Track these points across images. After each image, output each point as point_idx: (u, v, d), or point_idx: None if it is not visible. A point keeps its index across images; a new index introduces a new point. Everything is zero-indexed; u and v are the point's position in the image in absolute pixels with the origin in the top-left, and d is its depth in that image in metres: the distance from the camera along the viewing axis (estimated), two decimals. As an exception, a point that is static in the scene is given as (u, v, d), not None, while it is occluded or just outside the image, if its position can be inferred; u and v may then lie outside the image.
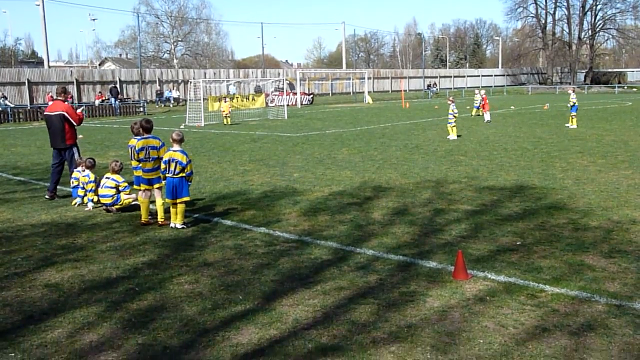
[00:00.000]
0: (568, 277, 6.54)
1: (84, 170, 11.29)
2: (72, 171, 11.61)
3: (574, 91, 25.54)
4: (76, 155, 11.87)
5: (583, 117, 29.89)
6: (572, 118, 24.37)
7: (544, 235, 8.23)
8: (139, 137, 9.74)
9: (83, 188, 11.00)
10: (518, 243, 7.87)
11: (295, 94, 52.51)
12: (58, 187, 12.52)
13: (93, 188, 10.81)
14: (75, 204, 11.04)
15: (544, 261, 7.11)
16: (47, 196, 11.65)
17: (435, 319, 5.55)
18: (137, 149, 9.43)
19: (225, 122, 30.46)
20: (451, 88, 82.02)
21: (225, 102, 31.79)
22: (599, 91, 71.56)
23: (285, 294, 6.25)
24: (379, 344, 5.03)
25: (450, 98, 22.61)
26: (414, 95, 69.19)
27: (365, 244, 7.97)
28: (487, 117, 28.36)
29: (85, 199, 10.91)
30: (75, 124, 11.75)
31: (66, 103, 12.00)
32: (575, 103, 24.52)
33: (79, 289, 6.55)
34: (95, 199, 10.74)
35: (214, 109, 35.55)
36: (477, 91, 33.75)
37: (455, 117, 21.01)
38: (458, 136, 21.18)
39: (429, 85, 72.01)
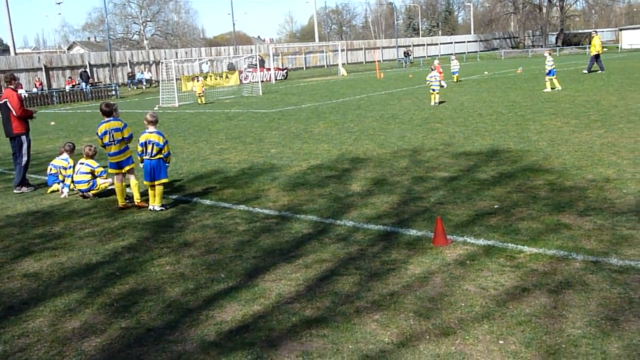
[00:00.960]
0: (545, 237, 6.63)
1: (61, 154, 11.16)
2: (21, 161, 11.20)
3: (550, 54, 24.70)
4: (25, 147, 11.30)
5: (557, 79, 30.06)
6: (549, 81, 23.83)
7: (521, 197, 8.31)
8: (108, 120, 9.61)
9: (62, 174, 10.83)
10: (496, 206, 7.94)
11: (268, 69, 52.07)
12: (34, 175, 12.37)
13: (70, 174, 10.67)
14: (52, 191, 10.89)
15: (522, 223, 7.19)
16: (15, 191, 11.15)
17: (417, 285, 5.60)
18: (99, 133, 9.26)
19: (199, 102, 30.14)
20: (425, 56, 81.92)
21: (197, 81, 31.40)
22: (571, 52, 71.96)
23: (267, 269, 6.25)
24: (362, 314, 5.07)
25: (432, 65, 23.86)
26: (388, 65, 69.02)
27: (345, 216, 7.99)
28: (443, 83, 28.61)
29: (63, 185, 10.75)
30: (15, 113, 11.15)
31: (14, 90, 11.40)
32: (552, 67, 24.00)
33: (59, 276, 6.49)
34: (71, 185, 10.61)
35: (188, 89, 35.12)
36: (453, 57, 33.69)
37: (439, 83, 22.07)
38: (441, 102, 21.81)
39: (405, 53, 71.79)
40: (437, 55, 48.90)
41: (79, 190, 10.35)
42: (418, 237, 6.94)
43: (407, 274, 5.89)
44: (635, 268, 5.65)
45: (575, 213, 7.44)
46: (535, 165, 10.27)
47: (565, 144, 12.02)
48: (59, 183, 10.85)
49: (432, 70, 22.37)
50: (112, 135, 9.20)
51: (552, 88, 23.70)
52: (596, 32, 37.97)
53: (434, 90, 21.54)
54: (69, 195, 10.55)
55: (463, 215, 7.67)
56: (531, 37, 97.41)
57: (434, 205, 8.25)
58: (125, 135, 9.20)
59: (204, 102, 30.17)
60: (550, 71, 23.92)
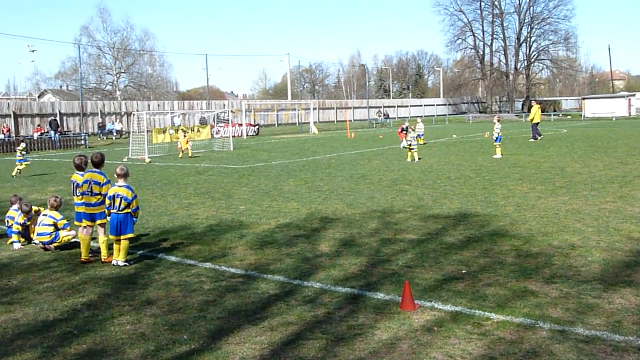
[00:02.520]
0: (512, 304, 6.63)
1: (12, 205, 10.98)
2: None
3: (499, 121, 25.56)
4: None
5: (522, 144, 30.84)
6: (497, 148, 24.47)
7: (488, 262, 8.35)
8: (80, 173, 9.50)
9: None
10: (463, 271, 7.95)
11: (238, 124, 52.37)
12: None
13: (18, 230, 10.44)
14: (11, 242, 10.59)
15: (489, 289, 7.20)
16: None
17: (384, 352, 5.51)
18: (80, 181, 9.18)
19: (189, 155, 29.49)
20: (395, 117, 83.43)
21: (184, 136, 30.77)
22: (536, 119, 73.98)
23: (231, 331, 6.10)
24: (327, 381, 4.94)
25: (412, 126, 26.09)
26: (359, 125, 70.04)
27: (313, 277, 7.90)
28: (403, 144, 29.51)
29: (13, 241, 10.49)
30: None
31: None
32: (500, 133, 24.60)
33: (13, 334, 6.23)
34: (22, 240, 10.39)
35: (158, 141, 35.02)
36: (419, 120, 34.40)
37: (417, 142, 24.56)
38: (419, 159, 23.72)
39: (385, 115, 73.11)
40: (421, 117, 49.83)
41: (40, 242, 10.08)
42: (386, 301, 6.88)
43: (374, 339, 5.81)
44: (601, 338, 5.66)
45: (542, 280, 7.48)
46: (502, 230, 10.37)
47: (532, 209, 12.21)
48: (17, 234, 10.57)
49: (411, 130, 24.74)
50: (92, 187, 9.08)
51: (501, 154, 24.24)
52: (536, 101, 39.46)
53: (411, 148, 23.72)
54: (21, 247, 10.29)
55: (431, 280, 7.65)
56: (498, 103, 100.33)
57: (402, 268, 8.22)
58: (103, 192, 9.07)
59: (191, 154, 29.61)
60: (497, 137, 24.50)
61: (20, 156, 23.38)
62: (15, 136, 44.02)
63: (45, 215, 10.24)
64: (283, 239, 10.21)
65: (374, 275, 7.91)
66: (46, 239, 10.01)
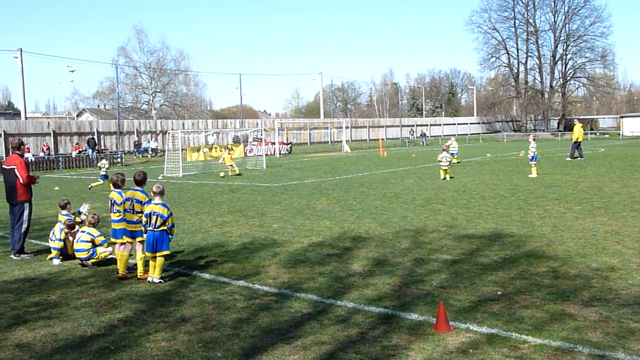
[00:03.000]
0: (550, 327, 6.51)
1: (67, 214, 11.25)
2: (20, 228, 11.16)
3: (534, 140, 25.27)
4: (26, 214, 11.29)
5: (558, 163, 30.39)
6: (532, 167, 24.20)
7: (524, 284, 8.23)
8: (118, 190, 9.70)
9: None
10: (499, 293, 7.85)
11: (271, 143, 52.80)
12: (34, 241, 12.33)
13: (59, 247, 10.64)
14: (50, 258, 10.80)
15: (526, 311, 7.09)
16: (12, 256, 11.07)
17: (418, 373, 5.45)
18: (121, 200, 9.37)
19: (235, 172, 29.37)
20: (427, 136, 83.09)
21: (227, 153, 30.70)
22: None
23: (264, 350, 6.12)
24: (361, 402, 4.92)
25: (443, 146, 25.81)
26: (392, 143, 69.96)
27: (346, 296, 7.89)
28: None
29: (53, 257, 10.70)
30: (22, 180, 11.19)
31: (21, 157, 11.47)
32: (535, 152, 24.28)
33: (52, 348, 6.35)
34: (61, 257, 10.59)
35: (192, 159, 35.50)
36: (452, 138, 34.21)
37: (448, 162, 24.33)
38: (451, 177, 23.92)
39: (422, 134, 72.70)
40: (455, 135, 49.63)
41: (78, 258, 10.28)
42: (420, 322, 6.82)
43: (408, 360, 5.76)
44: (643, 364, 5.52)
45: (580, 303, 7.34)
46: (538, 251, 10.21)
47: (569, 230, 12.00)
48: (56, 250, 10.73)
49: (443, 151, 24.41)
50: (133, 205, 9.26)
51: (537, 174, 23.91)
52: (578, 119, 38.85)
53: (443, 168, 23.72)
54: (60, 262, 10.49)
55: (465, 301, 7.56)
56: (533, 121, 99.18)
57: (436, 289, 8.16)
58: (145, 212, 9.20)
59: (237, 171, 29.50)
60: (532, 156, 24.20)
61: (104, 171, 25.10)
62: (55, 154, 45.09)
63: (84, 232, 10.45)
64: (316, 257, 10.23)
65: (408, 296, 7.86)
66: (84, 255, 10.21)
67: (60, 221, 11.13)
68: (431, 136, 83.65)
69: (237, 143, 46.27)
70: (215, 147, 40.37)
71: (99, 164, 26.74)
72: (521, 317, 6.89)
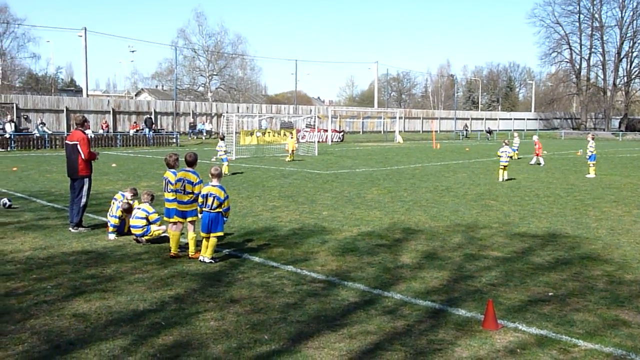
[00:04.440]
0: (602, 333, 6.36)
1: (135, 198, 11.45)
2: (79, 202, 11.44)
3: (593, 139, 24.37)
4: (85, 188, 11.53)
5: (617, 164, 29.46)
6: (591, 167, 23.49)
7: (577, 286, 8.04)
8: (172, 170, 9.89)
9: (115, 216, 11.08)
10: (550, 294, 7.70)
11: (324, 130, 52.85)
12: (92, 215, 12.71)
13: (115, 223, 10.91)
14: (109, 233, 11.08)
15: (578, 314, 6.93)
16: (71, 229, 11.41)
17: (464, 370, 5.41)
18: (174, 179, 9.56)
19: (290, 159, 29.66)
20: (482, 130, 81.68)
21: (290, 137, 30.90)
22: (634, 138, 70.59)
23: (311, 335, 6.18)
24: (405, 394, 4.92)
25: (506, 140, 24.04)
26: (445, 136, 69.09)
27: (394, 288, 7.88)
28: (541, 160, 28.78)
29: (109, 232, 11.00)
30: (83, 156, 11.44)
31: (84, 133, 11.74)
32: (593, 152, 23.50)
33: (106, 320, 6.57)
34: (117, 233, 10.87)
35: (245, 143, 35.93)
36: (515, 134, 33.51)
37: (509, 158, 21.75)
38: (510, 179, 21.60)
39: (488, 130, 70.67)
40: (518, 131, 48.69)
41: (134, 234, 10.57)
42: (467, 319, 6.76)
43: (454, 356, 5.72)
44: (700, 377, 5.33)
45: (635, 310, 7.12)
46: (593, 253, 9.95)
47: (626, 234, 11.64)
48: (113, 227, 11.00)
49: (504, 144, 22.25)
50: (185, 186, 9.44)
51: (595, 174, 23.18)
52: None
53: (503, 165, 21.25)
54: (115, 237, 10.77)
55: (515, 300, 7.45)
56: (593, 120, 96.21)
57: (485, 285, 8.05)
58: (195, 191, 9.39)
59: (292, 158, 29.80)
60: (591, 156, 23.41)
61: (222, 154, 23.13)
62: (113, 132, 46.31)
63: (139, 208, 10.73)
64: (365, 247, 10.24)
65: (456, 291, 7.79)
66: (139, 231, 10.49)
67: (119, 199, 11.40)
68: (484, 131, 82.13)
69: (289, 129, 46.51)
70: (269, 132, 40.75)
71: (217, 147, 23.74)
72: (572, 320, 6.74)
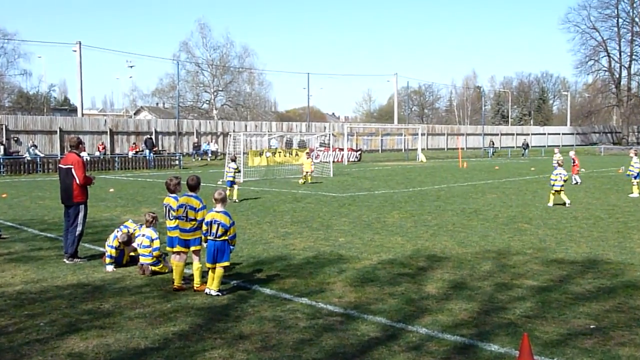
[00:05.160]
0: (651, 369, 6.27)
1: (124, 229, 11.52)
2: (74, 231, 11.50)
3: (636, 154, 23.82)
4: (81, 216, 11.60)
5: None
6: (634, 186, 23.09)
7: (622, 318, 7.95)
8: (174, 195, 9.97)
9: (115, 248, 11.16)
10: (592, 327, 7.62)
11: (339, 149, 52.99)
12: (87, 245, 12.79)
13: (111, 254, 10.98)
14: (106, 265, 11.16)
15: (623, 349, 6.85)
16: (65, 260, 11.47)
17: (497, 411, 5.37)
18: (176, 205, 9.62)
19: (306, 180, 29.46)
20: (513, 147, 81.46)
21: (307, 158, 30.86)
22: (682, 154, 69.96)
23: (328, 375, 6.16)
24: None
25: (560, 160, 22.02)
26: (472, 154, 68.99)
27: (418, 321, 7.84)
28: (578, 179, 28.56)
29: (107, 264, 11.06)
30: (78, 181, 11.50)
31: (79, 156, 11.80)
32: (638, 170, 22.90)
33: None
34: (112, 265, 10.93)
35: (254, 165, 36.09)
36: (556, 150, 33.24)
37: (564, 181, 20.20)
38: (567, 204, 19.88)
39: (524, 144, 70.31)
40: (572, 148, 48.51)
41: (143, 263, 10.56)
42: (500, 355, 6.71)
43: (487, 396, 5.67)
44: None
45: (687, 343, 7.03)
46: (639, 281, 9.85)
47: (676, 259, 11.52)
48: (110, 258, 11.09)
49: (558, 166, 20.82)
50: (187, 212, 9.50)
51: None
52: None
53: (556, 189, 19.95)
54: (113, 269, 10.84)
55: (553, 333, 7.38)
56: (636, 134, 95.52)
57: (519, 318, 8.00)
58: (199, 218, 9.45)
59: (310, 180, 29.71)
60: (636, 174, 23.08)
61: (231, 177, 22.13)
62: (111, 154, 46.69)
63: (143, 235, 10.80)
64: (386, 276, 10.22)
65: (488, 324, 7.74)
66: (148, 260, 10.53)
67: (119, 228, 11.50)
68: (516, 147, 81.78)
69: (303, 148, 46.71)
70: (279, 152, 40.92)
71: (229, 167, 22.69)
72: (618, 355, 6.66)
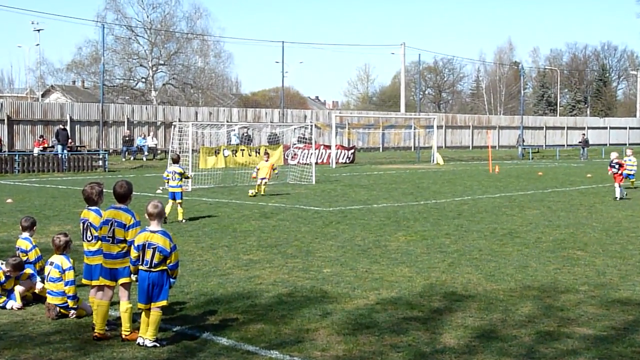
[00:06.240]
0: None
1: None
2: None
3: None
4: None
5: None
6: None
7: None
8: (95, 209, 9.89)
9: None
10: (668, 391, 7.69)
11: (325, 146, 53.05)
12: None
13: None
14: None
15: None
16: None
17: None
18: (99, 222, 9.53)
19: (256, 191, 28.37)
20: (563, 145, 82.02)
21: (265, 160, 29.57)
22: None
23: None
24: None
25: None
26: (507, 154, 69.36)
27: (431, 383, 7.87)
28: (621, 191, 28.11)
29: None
30: None
31: None
32: None
33: None
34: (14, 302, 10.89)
35: (208, 167, 36.07)
36: (629, 152, 33.22)
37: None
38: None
39: (584, 141, 70.26)
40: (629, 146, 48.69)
41: (55, 305, 10.47)
42: None
43: None
44: None
45: None
46: None
47: None
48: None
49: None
50: (114, 231, 9.43)
51: None
52: None
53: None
54: (19, 309, 10.79)
55: (615, 401, 7.44)
56: None
57: (569, 379, 8.05)
58: (129, 238, 9.38)
59: (263, 191, 28.62)
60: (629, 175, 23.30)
61: (177, 187, 21.17)
62: (9, 151, 46.30)
63: (52, 263, 10.73)
64: (387, 322, 10.23)
65: (526, 388, 7.78)
66: (58, 300, 10.44)
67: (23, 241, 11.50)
68: (567, 145, 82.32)
69: (274, 145, 46.75)
70: (242, 149, 40.94)
71: (165, 174, 22.17)
72: None
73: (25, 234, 12.01)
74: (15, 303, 10.91)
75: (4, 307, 10.99)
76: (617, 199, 27.29)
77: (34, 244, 11.94)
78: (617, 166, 28.46)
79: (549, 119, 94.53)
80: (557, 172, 44.39)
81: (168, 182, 21.54)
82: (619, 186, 27.90)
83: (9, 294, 11.07)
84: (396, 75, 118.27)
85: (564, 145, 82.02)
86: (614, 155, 30.23)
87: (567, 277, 13.34)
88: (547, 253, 15.80)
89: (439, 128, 66.21)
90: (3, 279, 11.03)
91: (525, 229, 19.52)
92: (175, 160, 22.04)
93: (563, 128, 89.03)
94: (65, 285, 10.56)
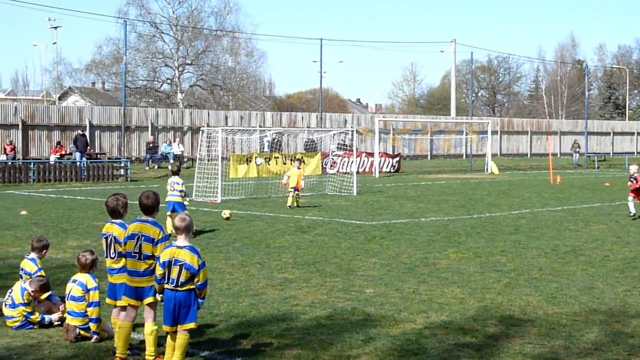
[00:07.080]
0: None
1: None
2: None
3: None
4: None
5: None
6: None
7: None
8: (119, 222, 9.93)
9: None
10: None
11: (367, 154, 52.98)
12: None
13: (17, 316, 11.07)
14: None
15: None
16: None
17: None
18: (124, 236, 9.55)
19: (289, 203, 28.77)
20: (633, 152, 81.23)
21: (297, 167, 29.79)
22: None
23: None
24: None
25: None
26: (570, 162, 68.79)
27: (486, 417, 7.83)
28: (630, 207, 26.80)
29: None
30: None
31: None
32: None
33: None
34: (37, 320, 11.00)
35: (239, 176, 36.16)
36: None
37: None
38: None
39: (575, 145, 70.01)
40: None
41: (75, 326, 10.55)
42: None
43: None
44: None
45: None
46: None
47: None
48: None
49: None
50: (141, 246, 9.46)
51: None
52: None
53: None
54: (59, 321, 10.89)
55: None
56: None
57: (641, 414, 7.97)
58: (157, 254, 9.39)
59: (296, 204, 28.90)
60: None
61: (178, 196, 21.48)
62: (23, 158, 46.71)
63: (75, 281, 10.79)
64: (437, 348, 10.19)
65: (592, 423, 7.71)
66: (79, 322, 10.51)
67: (23, 277, 11.57)
68: (637, 153, 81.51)
69: (312, 152, 46.73)
70: (276, 157, 40.97)
71: (169, 185, 22.18)
72: None
73: (33, 255, 12.00)
74: (53, 315, 11.01)
75: (42, 323, 11.12)
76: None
77: (39, 266, 11.91)
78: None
79: (616, 123, 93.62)
80: (626, 182, 43.86)
81: (185, 195, 22.02)
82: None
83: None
84: (446, 76, 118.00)
85: (633, 153, 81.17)
86: (633, 168, 28.32)
87: (638, 300, 13.21)
88: (615, 273, 15.66)
89: (493, 134, 65.97)
90: (27, 300, 11.12)
91: (591, 245, 19.36)
92: (176, 172, 22.60)
93: (633, 134, 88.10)
94: (89, 306, 10.61)
